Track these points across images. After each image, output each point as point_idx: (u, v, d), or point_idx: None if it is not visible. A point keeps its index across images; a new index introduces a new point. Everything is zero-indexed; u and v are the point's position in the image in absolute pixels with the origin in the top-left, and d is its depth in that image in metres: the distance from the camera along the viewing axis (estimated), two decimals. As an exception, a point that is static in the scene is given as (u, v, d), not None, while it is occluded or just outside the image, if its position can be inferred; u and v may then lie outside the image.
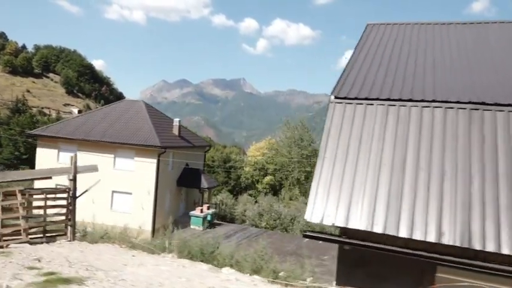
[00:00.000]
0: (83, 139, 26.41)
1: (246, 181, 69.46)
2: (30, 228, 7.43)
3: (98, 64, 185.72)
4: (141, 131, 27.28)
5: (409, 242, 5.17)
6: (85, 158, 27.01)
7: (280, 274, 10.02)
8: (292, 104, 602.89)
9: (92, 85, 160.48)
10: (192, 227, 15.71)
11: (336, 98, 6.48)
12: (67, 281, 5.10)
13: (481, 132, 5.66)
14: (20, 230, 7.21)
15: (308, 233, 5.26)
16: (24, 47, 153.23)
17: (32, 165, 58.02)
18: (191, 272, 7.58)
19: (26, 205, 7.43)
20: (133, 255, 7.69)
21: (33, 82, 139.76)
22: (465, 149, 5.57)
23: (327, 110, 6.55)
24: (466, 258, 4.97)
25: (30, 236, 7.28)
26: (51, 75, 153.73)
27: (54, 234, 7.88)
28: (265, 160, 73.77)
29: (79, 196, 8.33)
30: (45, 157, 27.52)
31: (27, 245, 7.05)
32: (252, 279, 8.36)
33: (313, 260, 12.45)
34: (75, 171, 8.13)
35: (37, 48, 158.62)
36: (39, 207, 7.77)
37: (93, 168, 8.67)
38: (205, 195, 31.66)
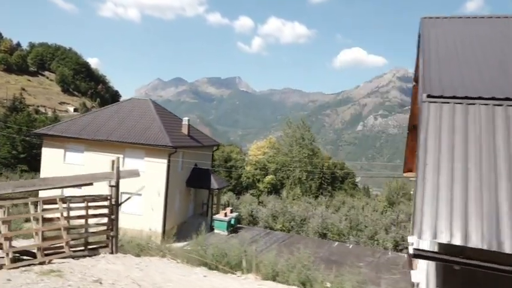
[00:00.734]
0: (91, 139, 25.54)
1: (247, 180, 68.82)
2: (72, 240, 6.69)
3: (93, 62, 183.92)
4: (150, 131, 26.49)
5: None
6: (92, 158, 26.27)
7: (328, 286, 9.33)
8: (288, 103, 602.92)
9: (87, 83, 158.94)
10: (216, 231, 14.99)
11: (428, 96, 5.78)
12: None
13: None
14: (61, 243, 6.46)
15: (421, 253, 4.55)
16: (18, 44, 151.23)
17: (30, 165, 56.97)
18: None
19: (67, 214, 6.67)
20: (204, 276, 6.92)
21: (29, 80, 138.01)
22: None
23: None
24: None
25: (71, 249, 6.53)
26: (46, 73, 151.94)
27: (96, 246, 7.13)
28: (266, 159, 73.18)
29: (121, 204, 7.60)
30: (51, 157, 26.67)
31: (71, 259, 6.31)
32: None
33: (351, 267, 11.78)
34: (118, 176, 7.37)
35: (32, 46, 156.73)
36: (80, 217, 7.00)
37: (135, 173, 7.93)
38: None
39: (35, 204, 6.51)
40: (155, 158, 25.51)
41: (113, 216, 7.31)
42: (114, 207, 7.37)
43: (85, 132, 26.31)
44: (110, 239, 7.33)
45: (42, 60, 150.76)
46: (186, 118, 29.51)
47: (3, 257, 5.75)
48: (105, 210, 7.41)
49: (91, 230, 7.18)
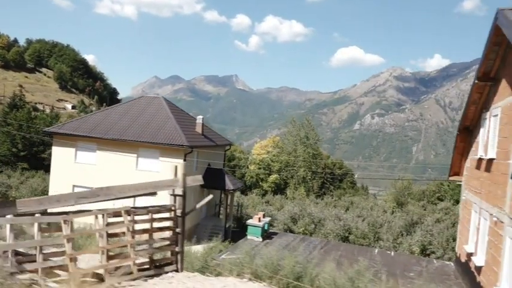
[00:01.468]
0: (105, 138, 24.57)
1: (251, 180, 68.08)
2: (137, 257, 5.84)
3: (89, 59, 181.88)
4: (164, 129, 25.58)
5: None
6: (105, 157, 25.35)
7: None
8: (285, 101, 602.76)
9: (85, 80, 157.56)
10: (249, 237, 14.23)
11: None
12: None
13: None
14: (126, 261, 5.61)
15: None
16: (16, 41, 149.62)
17: (30, 163, 55.85)
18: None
19: (133, 229, 5.81)
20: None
21: (26, 77, 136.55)
22: None
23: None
24: None
25: (138, 268, 5.68)
26: (44, 70, 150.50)
27: (161, 264, 6.27)
28: (270, 158, 72.44)
29: (187, 214, 6.74)
30: (62, 156, 25.69)
31: (140, 281, 5.45)
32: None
33: (403, 278, 10.99)
34: (184, 184, 6.52)
35: (29, 42, 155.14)
36: (145, 231, 6.13)
37: (199, 180, 7.07)
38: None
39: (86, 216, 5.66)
40: (170, 158, 24.58)
41: (178, 230, 6.43)
42: (180, 220, 6.49)
43: (97, 131, 25.36)
44: (175, 255, 6.46)
45: (40, 56, 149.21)
46: (200, 117, 28.62)
47: (66, 279, 4.89)
48: (169, 223, 6.53)
49: (156, 245, 6.32)
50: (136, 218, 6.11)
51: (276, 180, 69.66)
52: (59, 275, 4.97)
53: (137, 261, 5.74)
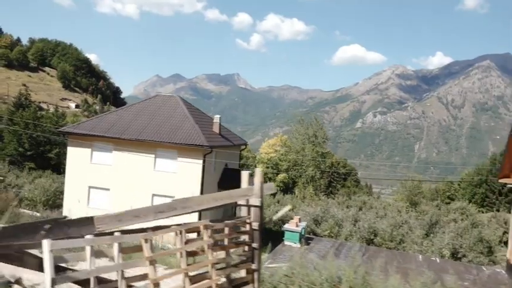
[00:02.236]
0: (122, 138, 23.88)
1: (259, 179, 67.38)
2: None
3: (91, 58, 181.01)
4: (182, 129, 24.89)
5: None
6: (121, 158, 24.67)
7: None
8: (286, 100, 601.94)
9: (88, 79, 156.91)
10: (286, 243, 13.55)
11: None
12: None
13: None
14: (209, 283, 4.91)
15: None
16: (19, 40, 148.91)
17: (37, 163, 55.25)
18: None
19: (213, 246, 5.10)
20: None
21: (29, 76, 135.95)
22: None
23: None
24: None
25: (216, 290, 4.97)
26: (47, 69, 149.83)
27: (239, 284, 5.57)
28: (278, 157, 71.78)
29: (264, 224, 6.03)
30: (77, 157, 25.02)
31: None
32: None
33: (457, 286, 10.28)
34: (262, 193, 5.80)
35: (32, 41, 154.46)
36: (223, 248, 5.42)
37: (271, 188, 6.35)
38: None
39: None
40: (189, 159, 23.92)
41: (254, 245, 5.72)
42: (256, 233, 5.79)
43: (113, 131, 24.67)
44: (251, 274, 5.76)
45: (43, 55, 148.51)
46: (218, 116, 27.93)
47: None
48: (244, 237, 5.83)
49: (233, 263, 5.61)
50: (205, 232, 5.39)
51: (284, 180, 69.03)
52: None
53: (218, 283, 5.04)
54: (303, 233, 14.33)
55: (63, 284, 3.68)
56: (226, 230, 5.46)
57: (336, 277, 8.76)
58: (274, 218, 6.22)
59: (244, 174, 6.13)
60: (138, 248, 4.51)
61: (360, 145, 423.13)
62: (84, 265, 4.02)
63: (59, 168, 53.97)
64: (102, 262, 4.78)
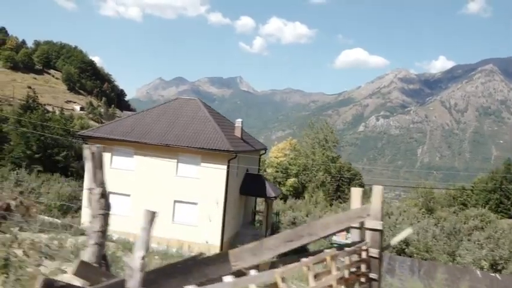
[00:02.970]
0: (144, 142, 23.08)
1: (269, 183, 66.45)
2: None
3: (94, 61, 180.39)
4: (204, 133, 24.09)
5: None
6: (142, 163, 23.85)
7: None
8: (289, 103, 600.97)
9: (93, 82, 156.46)
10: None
11: None
12: None
13: None
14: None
15: None
16: (24, 42, 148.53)
17: (45, 166, 54.43)
18: None
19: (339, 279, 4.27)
20: None
21: (34, 78, 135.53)
22: None
23: None
24: None
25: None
26: (52, 71, 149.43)
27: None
28: (287, 161, 70.92)
29: (384, 249, 5.20)
30: (96, 162, 24.17)
31: None
32: None
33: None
34: (382, 215, 4.98)
35: (37, 44, 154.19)
36: (346, 280, 4.58)
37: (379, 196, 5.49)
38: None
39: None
40: (212, 164, 23.10)
41: (373, 275, 4.89)
42: (374, 262, 4.95)
43: (133, 135, 23.89)
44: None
45: (48, 58, 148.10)
46: (239, 120, 27.12)
47: None
48: (362, 266, 4.99)
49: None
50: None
51: (294, 184, 68.10)
52: None
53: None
54: (351, 246, 13.43)
55: None
56: (347, 260, 4.64)
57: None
58: (392, 242, 5.26)
59: (356, 192, 5.29)
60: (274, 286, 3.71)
61: (363, 149, 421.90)
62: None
63: (66, 171, 53.19)
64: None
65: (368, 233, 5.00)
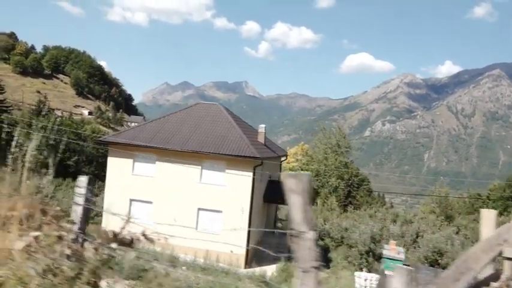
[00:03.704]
0: (167, 148, 22.45)
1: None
2: None
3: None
4: (228, 139, 23.43)
5: None
6: (165, 169, 23.20)
7: None
8: (294, 108, 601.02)
9: (101, 86, 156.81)
10: (387, 272, 12.00)
11: None
12: None
13: None
14: None
15: None
16: (33, 47, 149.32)
17: (56, 170, 54.18)
18: None
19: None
20: None
21: (43, 83, 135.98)
22: None
23: None
24: None
25: None
26: (60, 76, 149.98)
27: None
28: (300, 167, 70.15)
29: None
30: (118, 167, 23.62)
31: None
32: None
33: None
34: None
35: (46, 49, 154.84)
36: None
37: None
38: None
39: None
40: (238, 171, 22.42)
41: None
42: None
43: (156, 140, 23.27)
44: None
45: (57, 63, 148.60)
46: (263, 125, 26.45)
47: None
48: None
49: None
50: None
51: (307, 190, 67.39)
52: None
53: None
54: (404, 261, 12.59)
55: None
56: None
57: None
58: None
59: (488, 214, 4.55)
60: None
61: (369, 154, 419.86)
62: None
63: (77, 176, 52.80)
64: None
65: (508, 263, 4.27)
